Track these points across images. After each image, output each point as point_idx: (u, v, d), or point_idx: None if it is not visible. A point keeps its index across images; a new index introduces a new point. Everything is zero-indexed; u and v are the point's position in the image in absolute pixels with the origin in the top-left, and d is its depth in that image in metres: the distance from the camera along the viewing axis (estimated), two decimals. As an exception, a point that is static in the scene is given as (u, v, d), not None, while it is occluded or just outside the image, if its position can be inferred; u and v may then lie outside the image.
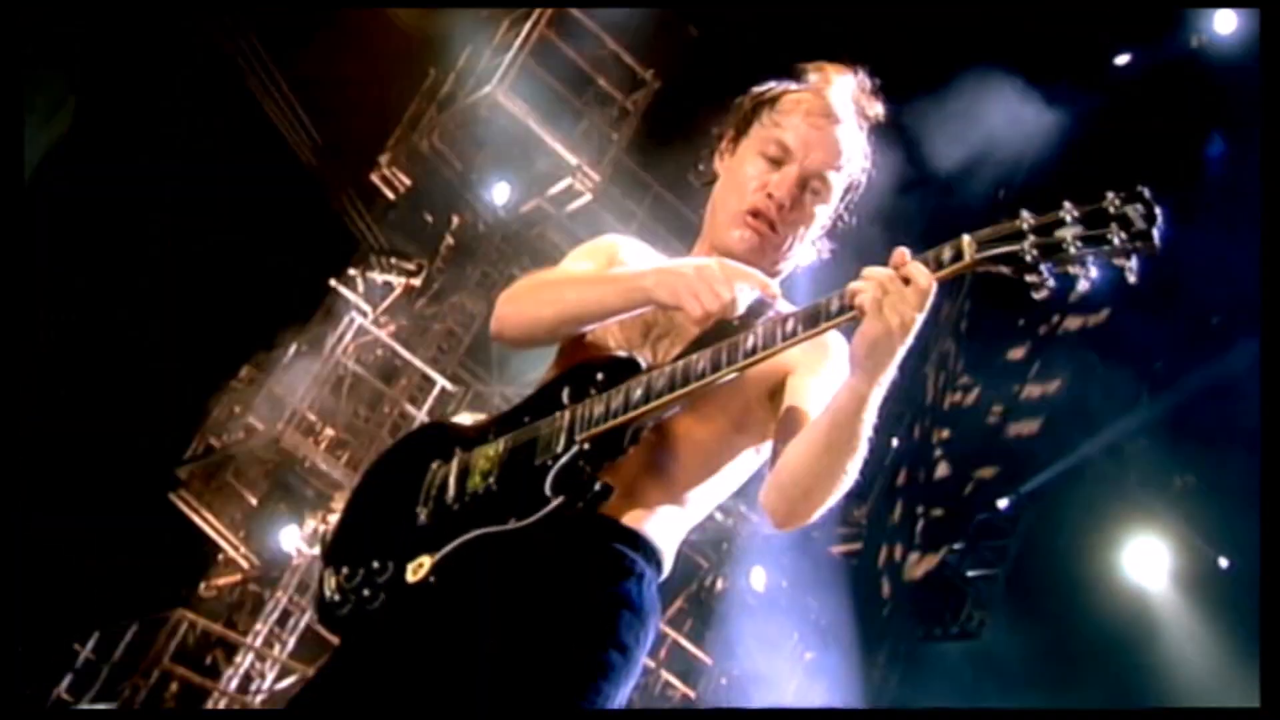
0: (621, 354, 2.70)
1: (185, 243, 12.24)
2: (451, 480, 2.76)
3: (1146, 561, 9.55)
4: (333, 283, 13.84)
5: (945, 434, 11.60)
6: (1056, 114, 9.61)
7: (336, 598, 2.72)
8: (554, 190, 12.42)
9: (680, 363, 2.54)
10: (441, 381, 12.35)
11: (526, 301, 2.79)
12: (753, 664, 11.71)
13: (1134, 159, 8.95)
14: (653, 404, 2.55)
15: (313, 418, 12.14)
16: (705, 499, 2.79)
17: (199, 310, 12.28)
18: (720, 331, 2.69)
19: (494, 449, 2.74)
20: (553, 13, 12.17)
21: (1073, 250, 2.17)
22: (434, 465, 2.81)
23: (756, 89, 3.04)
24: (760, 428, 2.74)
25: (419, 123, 13.28)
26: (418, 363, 12.54)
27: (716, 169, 3.01)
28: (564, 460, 2.60)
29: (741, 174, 2.91)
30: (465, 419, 2.96)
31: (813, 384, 2.68)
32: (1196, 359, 9.24)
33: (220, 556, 12.67)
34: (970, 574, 10.92)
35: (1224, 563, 9.21)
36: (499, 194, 12.69)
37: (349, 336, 12.51)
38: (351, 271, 14.21)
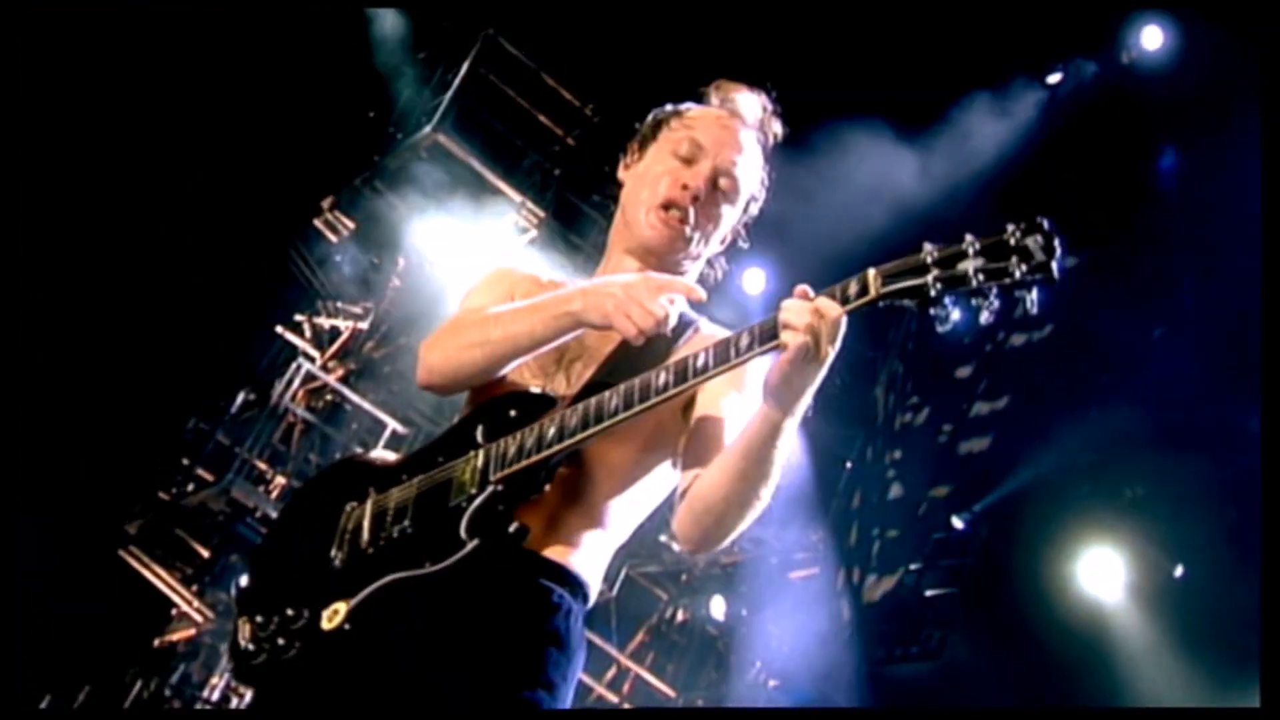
0: (534, 389, 2.69)
1: (130, 292, 12.02)
2: (366, 523, 2.72)
3: (1102, 573, 9.53)
4: (280, 330, 13.68)
5: (897, 454, 11.57)
6: (996, 131, 9.65)
7: (251, 647, 2.65)
8: (499, 228, 12.34)
9: (593, 400, 2.53)
10: (392, 424, 12.19)
11: (451, 345, 2.74)
12: (716, 695, 11.60)
13: (1080, 177, 9.01)
14: (566, 442, 2.54)
15: (263, 466, 11.95)
16: (627, 520, 2.78)
17: (143, 362, 12.06)
18: (638, 349, 2.71)
19: (408, 490, 2.70)
20: (489, 50, 12.10)
21: (974, 283, 2.18)
22: (348, 507, 2.77)
23: (657, 110, 3.09)
24: (674, 443, 2.74)
25: (360, 165, 13.17)
26: (367, 406, 12.38)
27: (622, 179, 3.04)
28: (479, 502, 2.57)
29: (652, 172, 2.94)
30: (380, 454, 2.91)
31: (724, 403, 2.69)
32: (1142, 370, 9.26)
33: (173, 611, 12.40)
34: (929, 593, 10.86)
35: (1178, 571, 9.19)
36: (441, 229, 12.57)
37: (297, 382, 12.35)
38: (298, 318, 14.06)
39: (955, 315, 2.21)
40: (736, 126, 2.97)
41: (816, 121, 9.10)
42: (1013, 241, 2.18)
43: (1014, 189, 9.57)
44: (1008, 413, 10.61)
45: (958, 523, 10.64)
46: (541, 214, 12.06)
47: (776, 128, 3.03)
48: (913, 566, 10.98)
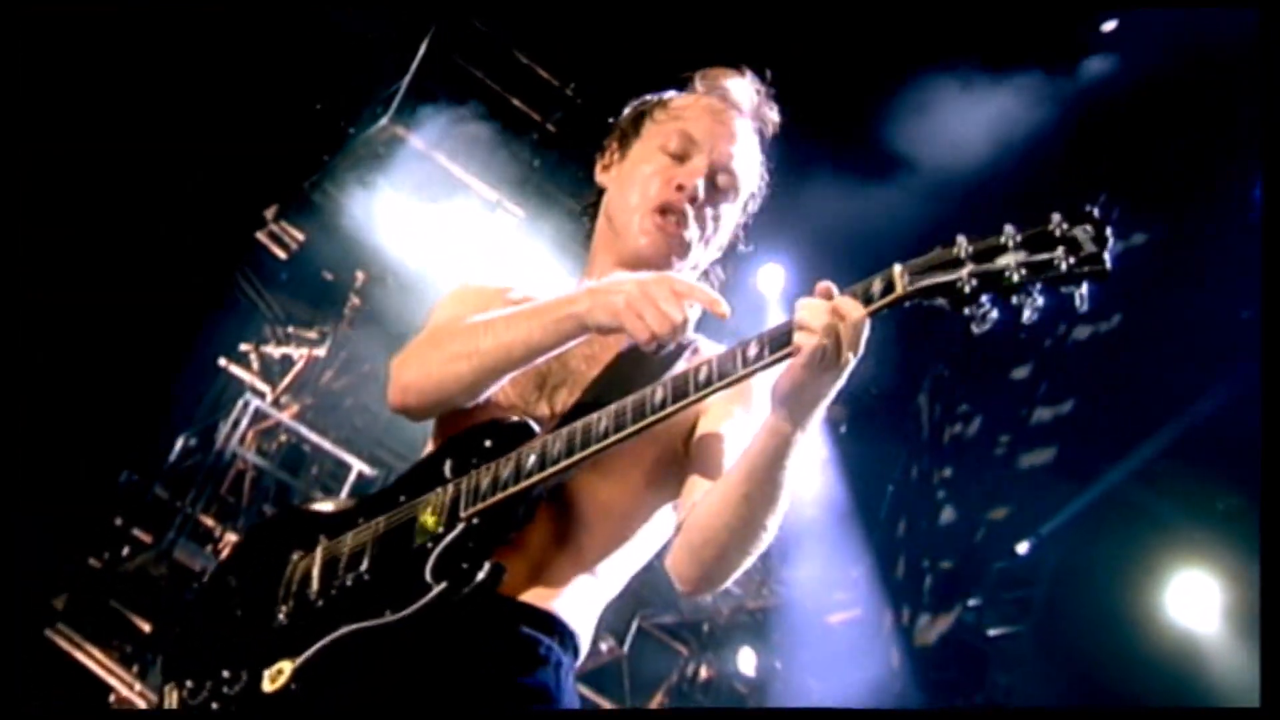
0: (511, 418, 2.73)
1: (43, 323, 11.97)
2: (315, 572, 2.75)
3: (1194, 600, 9.47)
4: (222, 362, 13.66)
5: (947, 472, 11.53)
6: (1028, 110, 9.66)
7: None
8: (473, 231, 12.32)
9: (579, 423, 2.57)
10: (358, 465, 12.18)
11: (432, 359, 2.75)
12: (749, 762, 11.55)
13: (1147, 140, 8.99)
14: (548, 471, 2.56)
15: (209, 523, 11.92)
16: (621, 566, 2.81)
17: (61, 408, 12.00)
18: (629, 369, 2.78)
19: (365, 533, 2.72)
20: (450, 26, 12.10)
21: (1015, 278, 2.21)
22: (294, 557, 2.80)
23: (635, 102, 3.17)
24: (678, 480, 2.78)
25: (308, 167, 13.16)
26: (328, 446, 12.36)
27: (601, 182, 3.12)
28: (448, 540, 2.59)
29: (639, 172, 3.01)
30: (329, 505, 2.92)
31: (727, 423, 2.75)
32: (1230, 359, 9.20)
33: (111, 698, 12.33)
34: (992, 633, 10.80)
35: (1283, 593, 9.13)
36: (409, 240, 12.55)
37: (245, 423, 12.32)
38: (243, 347, 14.05)
39: (993, 315, 2.25)
40: (730, 115, 3.04)
41: (838, 99, 9.12)
42: (1058, 232, 2.21)
43: (1069, 162, 9.56)
44: (1074, 418, 10.56)
45: (1022, 549, 10.58)
46: (521, 213, 12.03)
47: (773, 114, 3.11)
48: (972, 602, 10.92)
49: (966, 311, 2.25)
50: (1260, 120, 7.75)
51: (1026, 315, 2.23)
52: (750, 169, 3.05)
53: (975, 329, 2.26)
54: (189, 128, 11.48)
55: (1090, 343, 10.58)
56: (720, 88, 3.10)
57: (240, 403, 12.54)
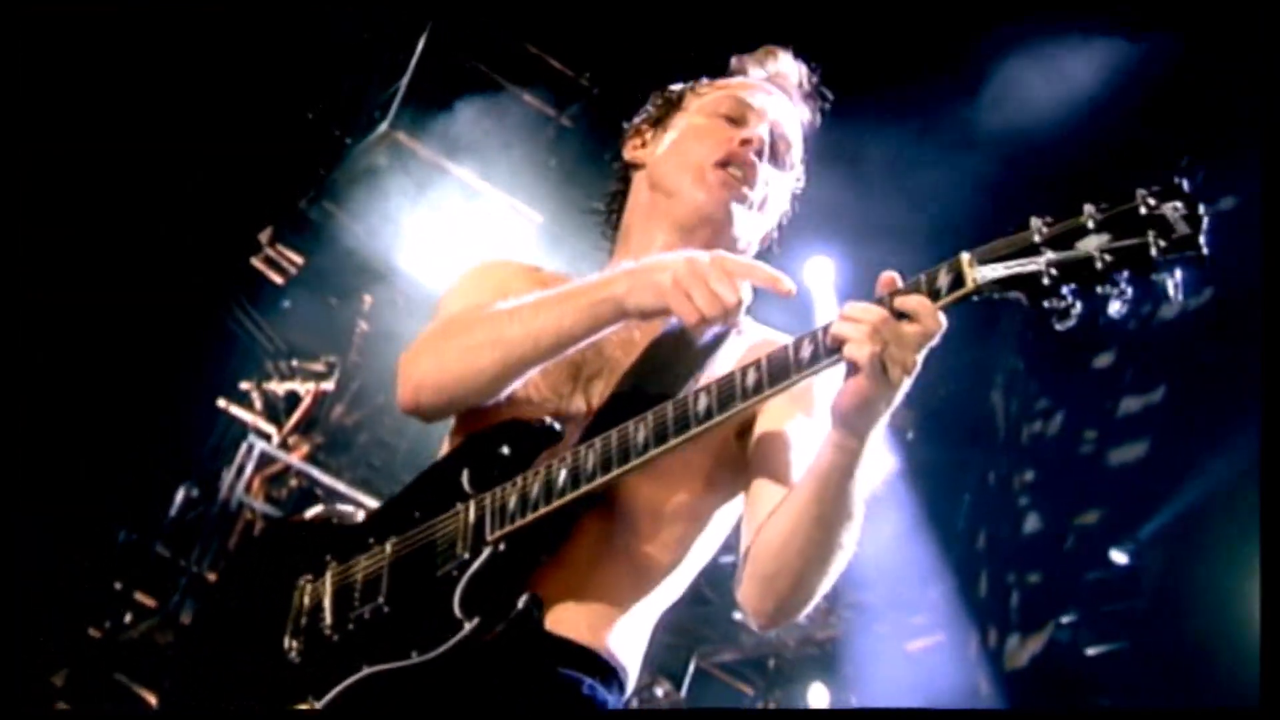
0: (534, 419, 2.69)
1: (29, 370, 12.02)
2: (327, 602, 2.71)
3: (1316, 603, 9.36)
4: (221, 403, 13.71)
5: (1029, 475, 11.45)
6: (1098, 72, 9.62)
7: None
8: (486, 241, 12.32)
9: (614, 434, 2.53)
10: (377, 506, 12.20)
11: (449, 351, 2.73)
12: (830, 812, 11.49)
13: (1233, 90, 8.91)
14: (583, 490, 2.53)
15: (214, 579, 11.94)
16: (674, 579, 2.79)
17: (50, 462, 12.05)
18: (670, 355, 2.77)
19: (378, 557, 2.69)
20: (451, 18, 12.11)
21: (1100, 266, 2.17)
22: (301, 582, 2.77)
23: (672, 88, 3.19)
24: (733, 480, 2.78)
25: (304, 182, 13.20)
26: (343, 488, 12.39)
27: (636, 158, 3.11)
28: (475, 567, 2.56)
29: (693, 133, 3.02)
30: (335, 511, 2.90)
31: (789, 428, 2.73)
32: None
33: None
34: (1090, 652, 10.71)
35: None
36: (415, 254, 12.56)
37: (250, 469, 12.36)
38: (244, 385, 14.11)
39: (1077, 309, 2.21)
40: (781, 92, 3.07)
41: (892, 69, 9.11)
42: (1144, 210, 2.16)
43: (1144, 127, 9.50)
44: (1167, 407, 10.47)
45: (1118, 556, 10.50)
46: (539, 217, 12.02)
47: (815, 110, 3.14)
48: (1066, 619, 10.84)
49: (1046, 305, 2.22)
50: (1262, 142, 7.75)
51: (1114, 308, 2.20)
52: (798, 151, 3.07)
53: (1057, 325, 2.23)
54: (174, 148, 11.52)
55: (1179, 322, 10.49)
56: (768, 71, 3.13)
57: (244, 446, 12.59)
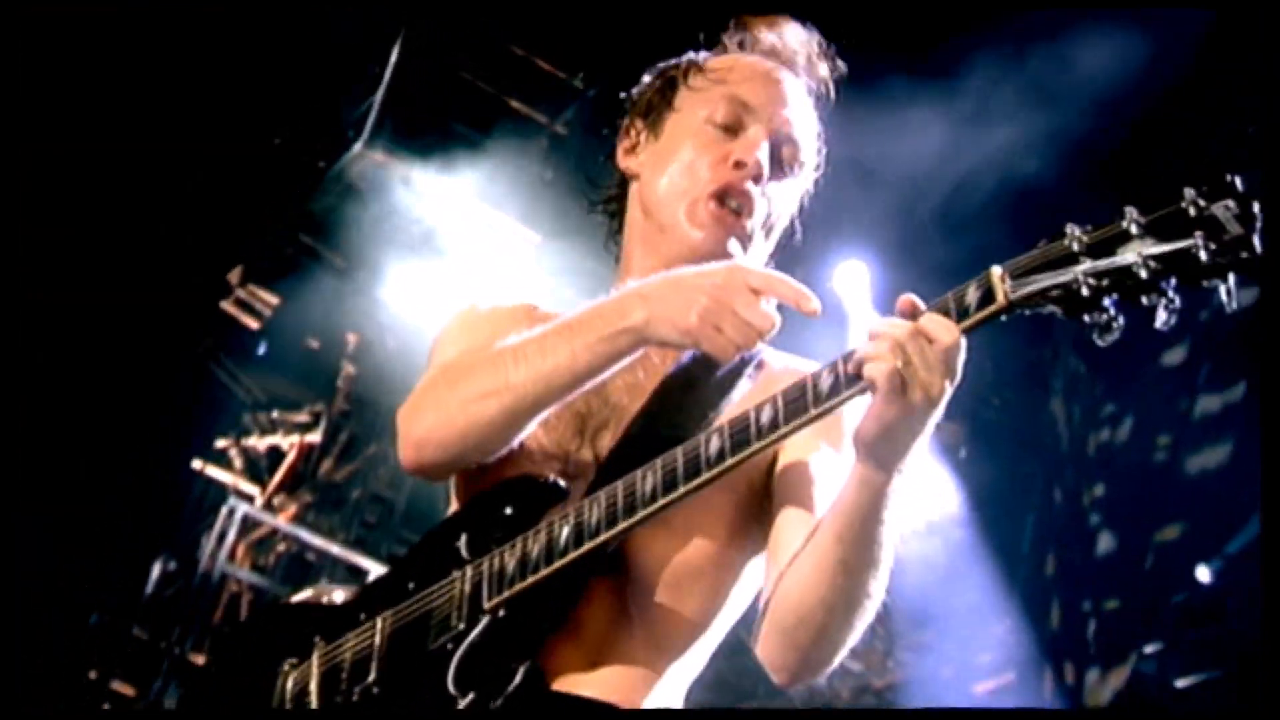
0: (538, 478, 2.72)
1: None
2: (313, 685, 2.74)
3: None
4: (196, 464, 13.74)
5: (1099, 490, 11.44)
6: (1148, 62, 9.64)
7: None
8: (481, 268, 12.33)
9: (619, 485, 2.55)
10: (376, 569, 12.17)
11: (451, 402, 2.75)
12: None
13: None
14: (586, 546, 2.55)
15: (201, 662, 11.92)
16: (705, 643, 2.80)
17: (20, 548, 12.08)
18: (680, 397, 2.80)
19: (369, 634, 2.72)
20: (427, 24, 12.13)
21: (1144, 274, 2.18)
22: (285, 667, 2.80)
23: (658, 67, 3.19)
24: (760, 524, 2.78)
25: (274, 213, 13.22)
26: (337, 550, 12.38)
27: (628, 168, 3.13)
28: (472, 639, 2.59)
29: (684, 150, 3.01)
30: (324, 592, 2.93)
31: (813, 463, 2.75)
32: None
33: None
34: (1180, 683, 10.66)
35: None
36: (403, 288, 12.58)
37: (232, 535, 12.36)
38: (221, 443, 14.13)
39: (1120, 322, 2.23)
40: (783, 75, 3.05)
41: (928, 55, 9.15)
42: (1192, 211, 2.17)
43: (1196, 114, 9.55)
44: (1249, 406, 10.44)
45: (1204, 574, 10.45)
46: (537, 236, 12.05)
47: (829, 71, 3.12)
48: (1150, 648, 10.79)
49: (1087, 319, 2.24)
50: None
51: (1161, 319, 2.21)
52: (812, 140, 3.06)
53: (1099, 340, 2.25)
54: (124, 182, 11.54)
55: (1257, 310, 10.48)
56: (765, 43, 3.11)
57: (224, 510, 12.59)
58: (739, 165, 2.92)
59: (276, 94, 12.31)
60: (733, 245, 2.92)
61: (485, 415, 2.67)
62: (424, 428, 2.75)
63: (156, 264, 12.65)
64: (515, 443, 2.73)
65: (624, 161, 3.14)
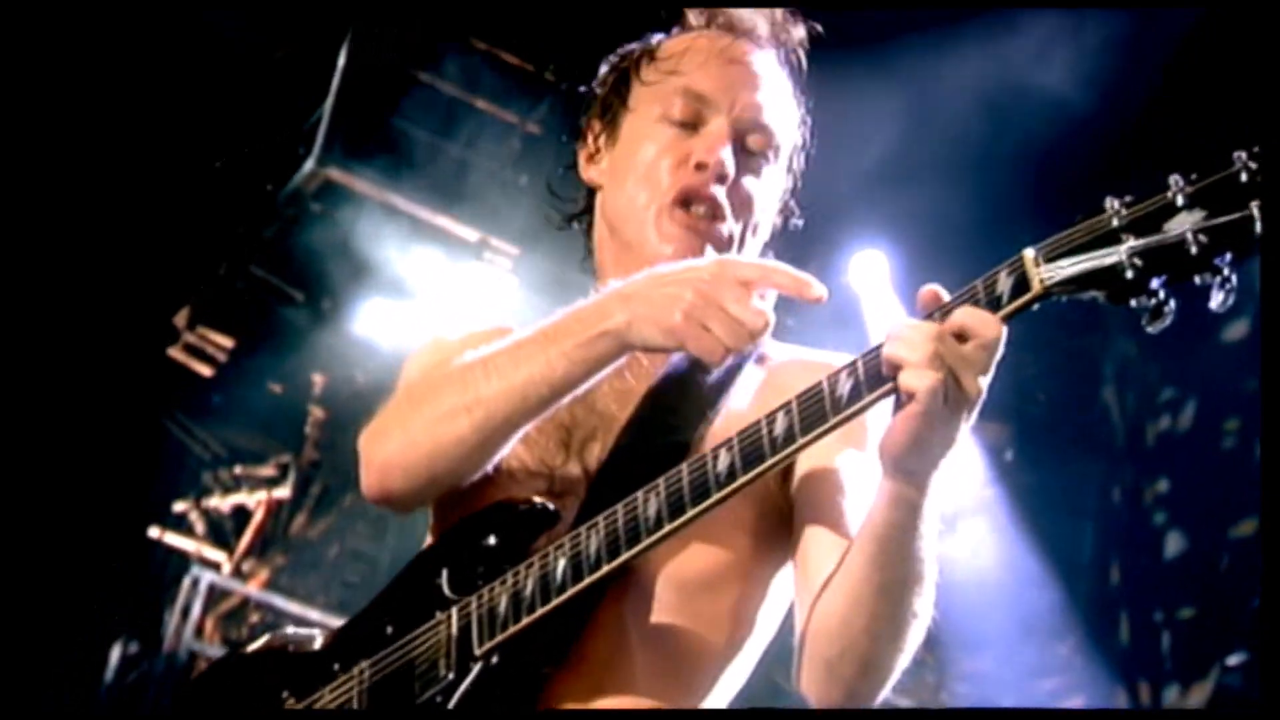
0: (523, 502, 2.70)
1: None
2: None
3: None
4: (154, 532, 13.73)
5: (1162, 486, 11.43)
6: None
7: None
8: (456, 286, 12.32)
9: (620, 510, 2.53)
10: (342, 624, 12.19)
11: (418, 423, 2.74)
12: None
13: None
14: (586, 581, 2.53)
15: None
16: (730, 675, 2.77)
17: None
18: (674, 401, 2.78)
19: (347, 688, 2.72)
20: (376, 23, 12.12)
21: (1194, 250, 2.16)
22: None
23: (613, 58, 3.16)
24: (783, 536, 2.76)
25: (221, 246, 13.21)
26: (317, 615, 12.37)
27: (591, 179, 3.12)
28: (464, 689, 2.58)
29: (641, 157, 2.99)
30: (293, 636, 2.96)
31: (840, 470, 2.71)
32: None
33: None
34: (1271, 696, 10.66)
35: None
36: (371, 319, 12.57)
37: (198, 607, 12.34)
38: (179, 507, 14.12)
39: (1171, 305, 2.20)
40: (745, 50, 3.04)
41: (941, 48, 9.26)
42: (1244, 177, 2.14)
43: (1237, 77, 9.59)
44: (1322, 379, 10.46)
45: (1289, 572, 10.45)
46: (514, 249, 12.05)
47: (799, 32, 3.10)
48: (1233, 659, 10.79)
49: (1134, 304, 2.21)
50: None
51: (1217, 300, 2.18)
52: (787, 116, 3.04)
53: (1149, 327, 2.23)
54: (50, 221, 11.52)
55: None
56: (723, 15, 3.09)
57: (188, 581, 12.57)
58: (700, 167, 2.91)
59: (212, 111, 12.30)
60: (708, 250, 2.89)
61: (454, 434, 2.66)
62: (388, 452, 2.74)
63: (88, 313, 12.62)
64: (491, 464, 2.72)
65: (586, 172, 3.13)
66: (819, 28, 3.12)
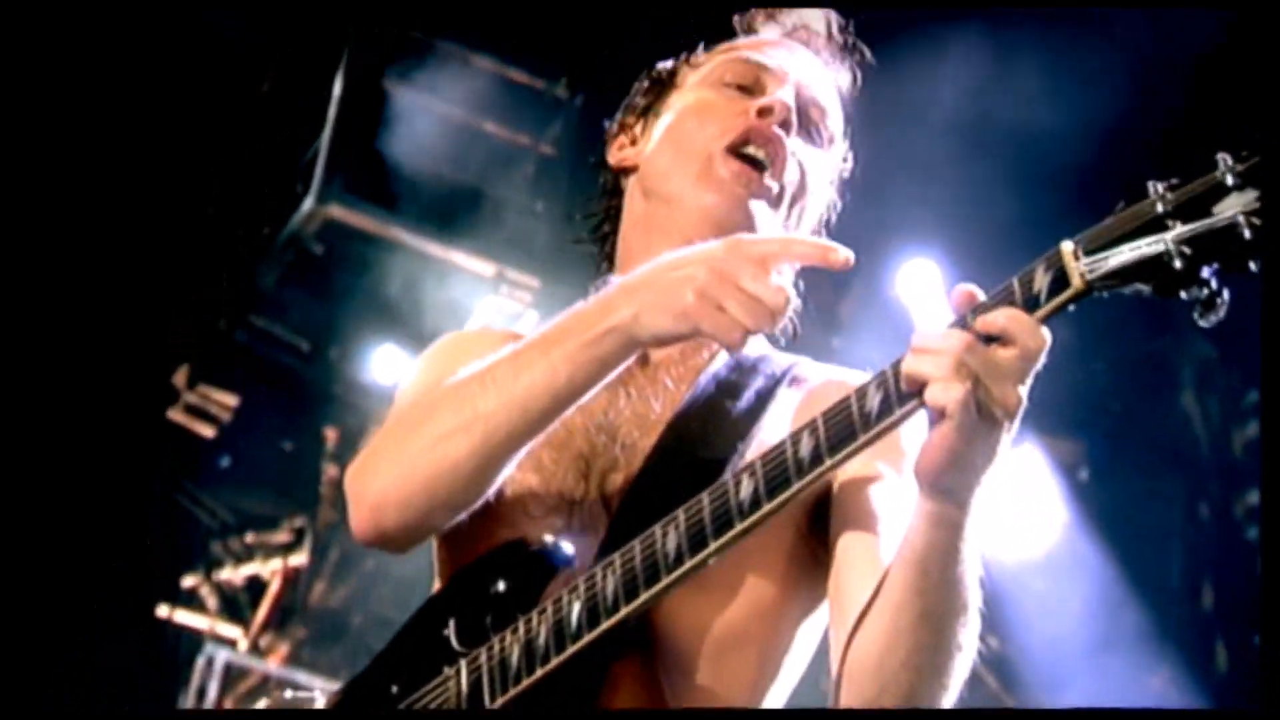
0: (534, 542, 2.67)
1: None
2: None
3: None
4: (163, 611, 13.73)
5: (1254, 498, 11.32)
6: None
7: None
8: (473, 325, 12.29)
9: (636, 546, 2.51)
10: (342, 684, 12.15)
11: (412, 449, 2.71)
12: None
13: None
14: (604, 626, 2.51)
15: None
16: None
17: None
18: (701, 426, 2.77)
19: None
20: (373, 45, 12.12)
21: (1248, 234, 2.13)
22: None
23: (660, 66, 3.22)
24: (814, 574, 2.74)
25: (219, 298, 13.21)
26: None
27: (622, 161, 3.16)
28: None
29: (693, 111, 3.03)
30: (281, 704, 3.00)
31: (874, 493, 2.69)
32: None
33: None
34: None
35: None
36: (385, 366, 12.54)
37: (215, 688, 12.34)
38: (188, 582, 14.14)
39: (1225, 296, 2.18)
40: (806, 48, 3.10)
41: (993, 43, 9.30)
42: None
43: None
44: None
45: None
46: (534, 282, 12.01)
47: (852, 66, 3.16)
48: (1346, 683, 10.66)
49: (1184, 296, 2.19)
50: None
51: (1265, 277, 2.18)
52: (839, 117, 3.08)
53: (1201, 320, 2.20)
54: (34, 281, 11.52)
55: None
56: (785, 26, 3.16)
57: (201, 661, 12.64)
58: (763, 112, 2.91)
59: (199, 153, 12.30)
60: (756, 207, 2.90)
61: (452, 458, 2.63)
62: (380, 486, 2.71)
63: (79, 376, 12.61)
64: (493, 489, 2.69)
65: (617, 156, 3.16)
66: (870, 56, 3.17)
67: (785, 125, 2.92)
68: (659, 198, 2.99)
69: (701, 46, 3.20)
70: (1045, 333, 2.25)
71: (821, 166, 3.03)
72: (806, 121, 2.99)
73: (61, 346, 12.17)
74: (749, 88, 2.98)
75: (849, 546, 2.66)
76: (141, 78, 11.54)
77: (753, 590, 2.71)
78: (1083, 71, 9.60)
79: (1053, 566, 10.89)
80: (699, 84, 3.07)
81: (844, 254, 2.44)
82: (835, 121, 3.06)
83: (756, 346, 2.89)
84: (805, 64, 3.06)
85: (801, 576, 2.74)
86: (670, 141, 3.01)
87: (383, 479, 2.71)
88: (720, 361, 2.90)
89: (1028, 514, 10.65)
